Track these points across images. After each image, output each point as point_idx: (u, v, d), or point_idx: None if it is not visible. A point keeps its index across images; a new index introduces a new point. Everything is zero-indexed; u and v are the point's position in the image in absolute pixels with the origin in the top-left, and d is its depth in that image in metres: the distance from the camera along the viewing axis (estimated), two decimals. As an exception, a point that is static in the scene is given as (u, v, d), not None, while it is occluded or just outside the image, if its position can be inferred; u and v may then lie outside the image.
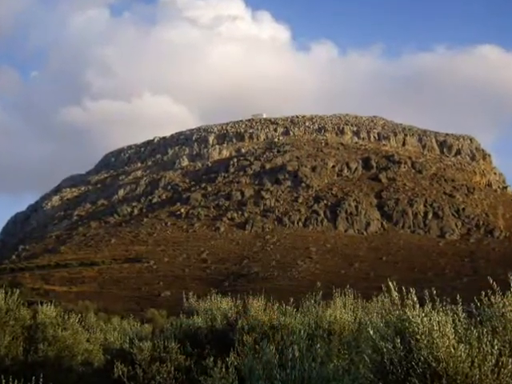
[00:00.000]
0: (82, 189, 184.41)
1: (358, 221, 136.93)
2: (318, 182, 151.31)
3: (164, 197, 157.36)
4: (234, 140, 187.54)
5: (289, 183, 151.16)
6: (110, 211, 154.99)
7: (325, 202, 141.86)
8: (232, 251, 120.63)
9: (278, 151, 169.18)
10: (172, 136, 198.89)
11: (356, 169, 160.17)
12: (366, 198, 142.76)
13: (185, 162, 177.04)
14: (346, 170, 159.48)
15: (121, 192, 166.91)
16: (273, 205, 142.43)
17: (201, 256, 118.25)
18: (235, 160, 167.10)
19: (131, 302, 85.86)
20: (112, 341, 16.40)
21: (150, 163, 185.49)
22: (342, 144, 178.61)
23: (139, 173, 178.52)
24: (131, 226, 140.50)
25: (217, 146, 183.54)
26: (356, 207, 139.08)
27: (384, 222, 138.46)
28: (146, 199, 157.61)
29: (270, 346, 8.51)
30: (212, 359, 10.33)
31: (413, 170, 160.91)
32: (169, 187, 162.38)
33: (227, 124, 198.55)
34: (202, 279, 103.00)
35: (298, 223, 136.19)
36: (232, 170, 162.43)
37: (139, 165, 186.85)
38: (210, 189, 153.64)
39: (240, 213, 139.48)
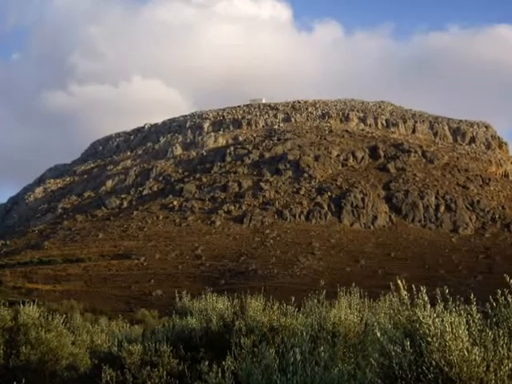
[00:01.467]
0: (67, 180, 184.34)
1: (364, 214, 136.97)
2: (321, 172, 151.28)
3: (155, 188, 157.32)
4: (231, 127, 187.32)
5: (290, 173, 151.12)
6: (98, 204, 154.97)
7: (329, 193, 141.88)
8: (228, 247, 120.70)
9: (279, 139, 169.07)
10: (164, 123, 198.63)
11: (362, 158, 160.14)
12: (373, 190, 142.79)
13: (178, 151, 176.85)
14: (351, 160, 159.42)
15: (109, 183, 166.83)
16: (272, 197, 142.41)
17: (195, 252, 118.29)
18: (232, 148, 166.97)
19: (120, 302, 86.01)
20: (99, 344, 16.39)
21: (140, 152, 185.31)
22: (347, 131, 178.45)
23: (129, 162, 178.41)
24: (120, 220, 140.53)
25: (212, 134, 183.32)
26: (362, 199, 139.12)
27: (392, 216, 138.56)
28: (135, 191, 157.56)
29: (270, 349, 8.50)
30: (207, 363, 10.32)
31: (423, 160, 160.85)
32: (160, 178, 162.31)
33: (223, 110, 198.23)
34: (196, 277, 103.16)
35: (299, 217, 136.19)
36: (229, 159, 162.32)
37: (129, 154, 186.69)
38: (204, 180, 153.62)
39: (237, 205, 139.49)
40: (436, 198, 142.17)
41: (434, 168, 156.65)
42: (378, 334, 6.89)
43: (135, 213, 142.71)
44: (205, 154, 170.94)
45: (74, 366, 15.34)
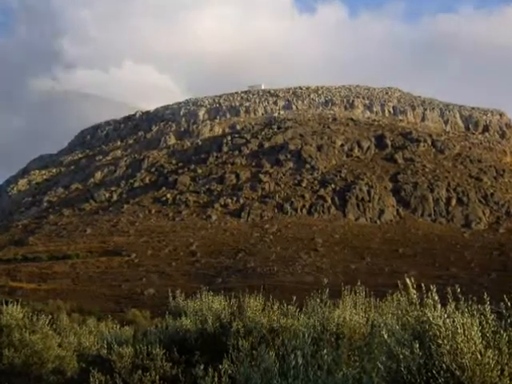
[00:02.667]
0: (54, 171, 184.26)
1: (370, 208, 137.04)
2: (324, 163, 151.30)
3: (147, 180, 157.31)
4: (228, 115, 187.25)
5: (291, 164, 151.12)
6: (86, 197, 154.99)
7: (332, 186, 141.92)
8: (225, 243, 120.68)
9: (279, 128, 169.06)
10: (156, 110, 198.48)
11: (368, 148, 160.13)
12: (379, 182, 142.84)
13: (171, 140, 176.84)
14: (356, 150, 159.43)
15: (98, 175, 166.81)
16: (272, 189, 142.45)
17: (189, 248, 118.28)
18: (229, 138, 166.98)
19: (110, 302, 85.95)
20: (88, 346, 16.39)
21: (131, 141, 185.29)
22: (351, 119, 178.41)
23: (119, 152, 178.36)
24: (109, 214, 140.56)
25: (208, 122, 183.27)
26: (368, 192, 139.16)
27: (400, 210, 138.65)
28: (126, 183, 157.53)
29: (270, 352, 8.51)
30: (202, 367, 10.33)
31: (433, 150, 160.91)
32: (153, 169, 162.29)
33: (220, 96, 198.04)
34: (190, 275, 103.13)
35: (301, 210, 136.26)
36: (225, 149, 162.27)
37: (119, 143, 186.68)
38: (200, 171, 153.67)
39: (235, 199, 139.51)
40: (447, 190, 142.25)
41: (444, 159, 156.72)
42: (385, 336, 6.89)
43: (126, 206, 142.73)
44: (200, 143, 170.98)
45: (60, 370, 15.33)
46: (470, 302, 6.96)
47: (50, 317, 16.34)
